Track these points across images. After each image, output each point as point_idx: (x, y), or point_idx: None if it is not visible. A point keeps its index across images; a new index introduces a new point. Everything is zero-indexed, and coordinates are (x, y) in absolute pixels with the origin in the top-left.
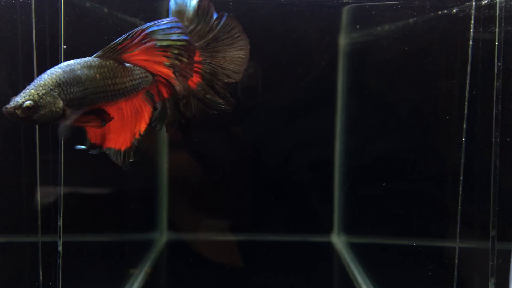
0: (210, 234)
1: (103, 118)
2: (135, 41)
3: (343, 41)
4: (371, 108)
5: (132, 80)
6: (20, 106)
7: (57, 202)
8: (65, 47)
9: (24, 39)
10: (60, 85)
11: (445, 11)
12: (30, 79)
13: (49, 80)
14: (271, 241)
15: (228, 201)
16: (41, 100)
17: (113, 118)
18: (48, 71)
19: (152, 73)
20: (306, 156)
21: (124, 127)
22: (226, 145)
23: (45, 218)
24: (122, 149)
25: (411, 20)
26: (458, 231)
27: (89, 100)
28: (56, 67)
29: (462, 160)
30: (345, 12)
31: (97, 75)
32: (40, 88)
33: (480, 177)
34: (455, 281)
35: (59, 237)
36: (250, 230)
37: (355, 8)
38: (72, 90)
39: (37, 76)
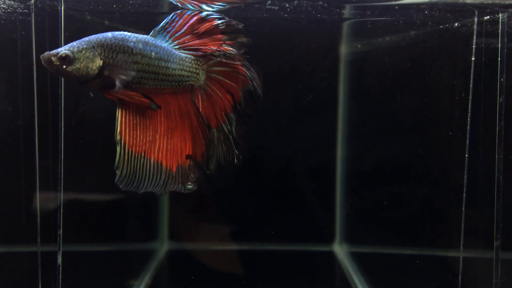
0: (211, 244)
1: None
2: (188, 25)
3: (344, 52)
4: (373, 118)
5: (182, 70)
6: (56, 54)
7: (56, 212)
8: None
9: (25, 54)
10: (104, 46)
11: (447, 25)
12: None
13: (94, 39)
14: (273, 251)
15: (229, 210)
16: (79, 53)
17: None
18: (100, 34)
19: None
20: (308, 165)
21: (172, 130)
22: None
23: (44, 228)
24: (173, 166)
25: (412, 33)
26: (462, 241)
27: (139, 77)
28: (109, 32)
29: (466, 169)
30: (346, 25)
31: (153, 53)
32: (83, 43)
33: (484, 186)
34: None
35: (59, 249)
36: (252, 239)
37: (356, 23)
38: (116, 56)
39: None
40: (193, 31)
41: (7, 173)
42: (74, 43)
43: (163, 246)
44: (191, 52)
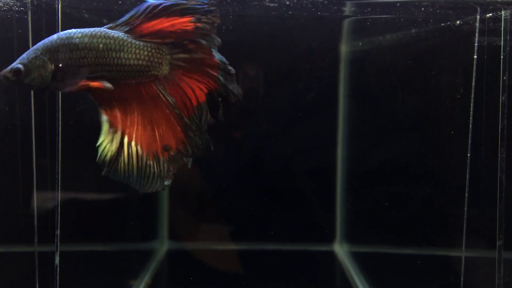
0: (211, 243)
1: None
2: (151, 14)
3: (344, 50)
4: (374, 117)
5: (138, 60)
6: (10, 70)
7: (54, 211)
8: None
9: (21, 53)
10: (51, 50)
11: (449, 23)
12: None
13: (41, 46)
14: (273, 250)
15: (229, 209)
16: (30, 64)
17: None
18: (46, 38)
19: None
20: (308, 164)
21: (145, 119)
22: (226, 151)
23: (42, 227)
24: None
25: (413, 31)
26: (464, 240)
27: (92, 71)
28: (55, 34)
29: (468, 169)
30: (347, 23)
31: (101, 45)
32: (31, 53)
33: (487, 185)
34: None
35: (56, 249)
36: (252, 239)
37: (357, 20)
38: (64, 56)
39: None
40: (156, 20)
41: (4, 173)
42: (24, 55)
43: (162, 246)
44: (152, 41)
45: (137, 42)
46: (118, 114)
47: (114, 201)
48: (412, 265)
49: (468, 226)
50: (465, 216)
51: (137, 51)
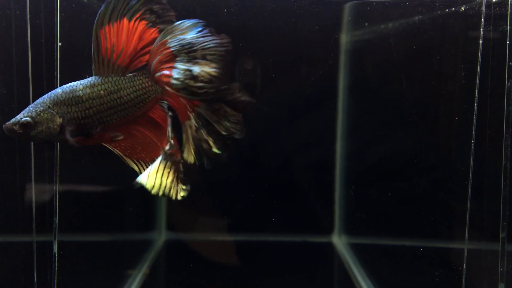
0: (209, 234)
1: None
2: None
3: (345, 38)
4: (375, 107)
5: (135, 91)
6: (17, 122)
7: (52, 201)
8: (60, 44)
9: (19, 35)
10: (58, 104)
11: (454, 8)
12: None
13: (47, 99)
14: (271, 242)
15: (228, 201)
16: (38, 117)
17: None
18: (50, 92)
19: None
20: (307, 156)
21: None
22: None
23: (40, 218)
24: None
25: (417, 17)
26: (467, 232)
27: (99, 118)
28: (58, 88)
29: (472, 158)
30: (348, 8)
31: (102, 92)
32: (39, 106)
33: (490, 177)
34: (463, 284)
35: (55, 238)
36: (250, 230)
37: (358, 5)
38: (70, 109)
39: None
40: (131, 41)
41: (3, 163)
42: (31, 107)
43: (160, 236)
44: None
45: (128, 76)
46: (138, 149)
47: (113, 192)
48: (410, 257)
49: (471, 218)
50: (468, 207)
51: (131, 83)
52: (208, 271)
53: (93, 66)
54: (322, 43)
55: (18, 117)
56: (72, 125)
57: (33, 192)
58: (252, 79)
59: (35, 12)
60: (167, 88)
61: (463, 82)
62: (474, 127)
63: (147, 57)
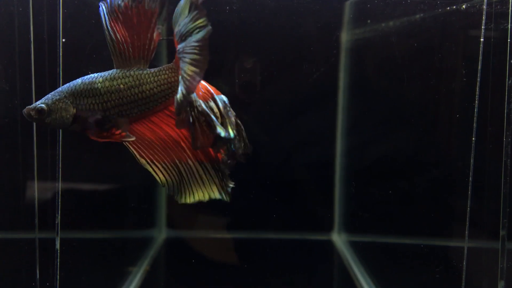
0: (210, 232)
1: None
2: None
3: (345, 37)
4: (376, 106)
5: (159, 86)
6: (34, 108)
7: (54, 199)
8: (63, 40)
9: (22, 32)
10: (75, 94)
11: (455, 7)
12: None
13: (66, 89)
14: (271, 239)
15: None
16: (53, 105)
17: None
18: (71, 82)
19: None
20: (307, 154)
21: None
22: None
23: (43, 215)
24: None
25: (418, 16)
26: (467, 230)
27: (118, 112)
28: (79, 78)
29: (472, 156)
30: (349, 6)
31: (121, 86)
32: (56, 95)
33: (490, 175)
34: (463, 282)
35: (57, 234)
36: (250, 228)
37: (359, 3)
38: (87, 101)
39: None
40: (133, 33)
41: (6, 160)
42: (49, 95)
43: (161, 234)
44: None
45: (152, 70)
46: (154, 149)
47: (114, 190)
48: (410, 255)
49: (471, 215)
50: (468, 205)
51: (155, 78)
52: (208, 268)
53: (113, 60)
54: (323, 41)
55: (37, 103)
56: (88, 116)
57: (36, 189)
58: (252, 77)
59: (37, 9)
60: None
61: (464, 80)
62: (474, 125)
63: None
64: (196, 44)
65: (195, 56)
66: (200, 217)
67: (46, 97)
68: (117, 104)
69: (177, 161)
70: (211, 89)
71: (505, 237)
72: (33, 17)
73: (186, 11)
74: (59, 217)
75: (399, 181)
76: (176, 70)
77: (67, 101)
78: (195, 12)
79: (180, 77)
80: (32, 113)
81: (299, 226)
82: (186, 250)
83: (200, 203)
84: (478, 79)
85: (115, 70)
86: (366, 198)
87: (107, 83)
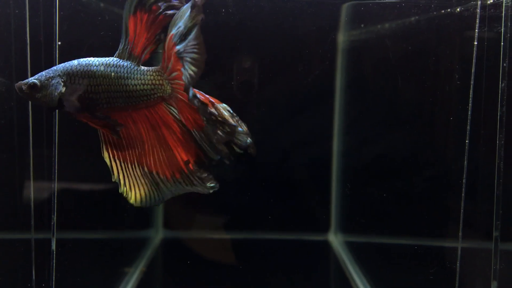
0: (206, 232)
1: (114, 126)
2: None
3: (342, 39)
4: (371, 107)
5: (143, 85)
6: (27, 83)
7: (50, 199)
8: (59, 43)
9: (18, 34)
10: (70, 74)
11: (449, 10)
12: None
13: (61, 68)
14: (268, 240)
15: (224, 199)
16: (46, 81)
17: (120, 124)
18: (67, 62)
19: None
20: (303, 154)
21: (160, 141)
22: None
23: (39, 215)
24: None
25: (413, 18)
26: (460, 230)
27: (105, 97)
28: (76, 59)
29: (465, 157)
30: (345, 9)
31: (113, 74)
32: (51, 73)
33: (483, 176)
34: (457, 283)
35: (53, 235)
36: (246, 228)
37: (355, 6)
38: (81, 81)
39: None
40: (145, 33)
41: (1, 160)
42: (43, 73)
43: (157, 234)
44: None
45: (142, 68)
46: (123, 146)
47: (110, 190)
48: (405, 255)
49: (465, 216)
50: (462, 206)
51: (142, 76)
52: (205, 269)
53: (118, 49)
54: (320, 43)
55: (30, 79)
56: (79, 97)
57: (32, 189)
58: (249, 78)
59: (34, 10)
60: (179, 95)
61: (458, 82)
62: (468, 127)
63: (154, 47)
64: (194, 42)
65: (195, 56)
66: (197, 218)
67: (40, 73)
68: (106, 90)
69: (135, 163)
70: (212, 99)
71: (498, 238)
72: (29, 19)
73: (187, 13)
74: (55, 217)
75: (395, 182)
76: (162, 73)
77: (60, 79)
78: (194, 11)
79: (183, 77)
80: (24, 87)
81: (295, 226)
82: (183, 251)
83: (197, 204)
84: (472, 82)
85: (112, 58)
86: (362, 198)
87: (101, 68)
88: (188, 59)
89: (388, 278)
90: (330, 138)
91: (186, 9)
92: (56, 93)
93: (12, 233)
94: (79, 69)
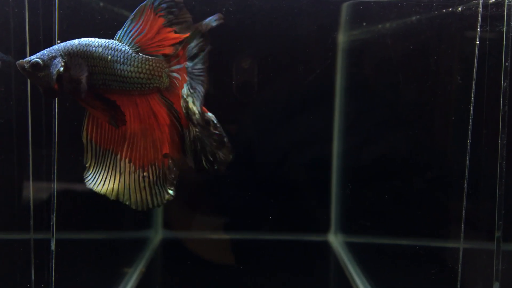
0: (206, 233)
1: (115, 115)
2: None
3: (342, 38)
4: (372, 107)
5: (139, 73)
6: (29, 61)
7: (50, 199)
8: (59, 41)
9: (17, 33)
10: (70, 53)
11: (451, 9)
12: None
13: (63, 47)
14: (268, 240)
15: (224, 200)
16: (48, 61)
17: (124, 117)
18: (68, 41)
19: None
20: (303, 155)
21: (144, 131)
22: None
23: (38, 215)
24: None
25: (414, 17)
26: (462, 231)
27: (102, 79)
28: (76, 39)
29: (467, 157)
30: (345, 8)
31: (109, 57)
32: (53, 52)
33: (485, 176)
34: (458, 283)
35: (52, 235)
36: (246, 229)
37: (355, 5)
38: (79, 61)
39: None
40: (151, 30)
41: (1, 161)
42: (45, 51)
43: (157, 235)
44: (154, 54)
45: (141, 56)
46: (104, 130)
47: None
48: (406, 256)
49: (467, 217)
50: (464, 206)
51: (140, 64)
52: (204, 269)
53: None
54: (320, 43)
55: (32, 57)
56: (74, 75)
57: (31, 189)
58: (249, 78)
59: (33, 9)
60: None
61: (460, 82)
62: (470, 127)
63: (156, 50)
64: (202, 67)
65: (199, 78)
66: (196, 218)
67: (41, 52)
68: (102, 72)
69: (111, 148)
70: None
71: (500, 239)
72: (28, 18)
73: (194, 38)
74: (54, 218)
75: (396, 182)
76: (163, 65)
77: (60, 59)
78: (200, 40)
79: (193, 91)
80: (27, 65)
81: (295, 226)
82: (183, 251)
83: (196, 204)
84: (474, 81)
85: (112, 40)
86: (362, 199)
87: (100, 49)
88: (194, 77)
89: (388, 279)
90: (331, 138)
91: (192, 33)
92: (55, 72)
93: (11, 234)
94: (79, 49)
